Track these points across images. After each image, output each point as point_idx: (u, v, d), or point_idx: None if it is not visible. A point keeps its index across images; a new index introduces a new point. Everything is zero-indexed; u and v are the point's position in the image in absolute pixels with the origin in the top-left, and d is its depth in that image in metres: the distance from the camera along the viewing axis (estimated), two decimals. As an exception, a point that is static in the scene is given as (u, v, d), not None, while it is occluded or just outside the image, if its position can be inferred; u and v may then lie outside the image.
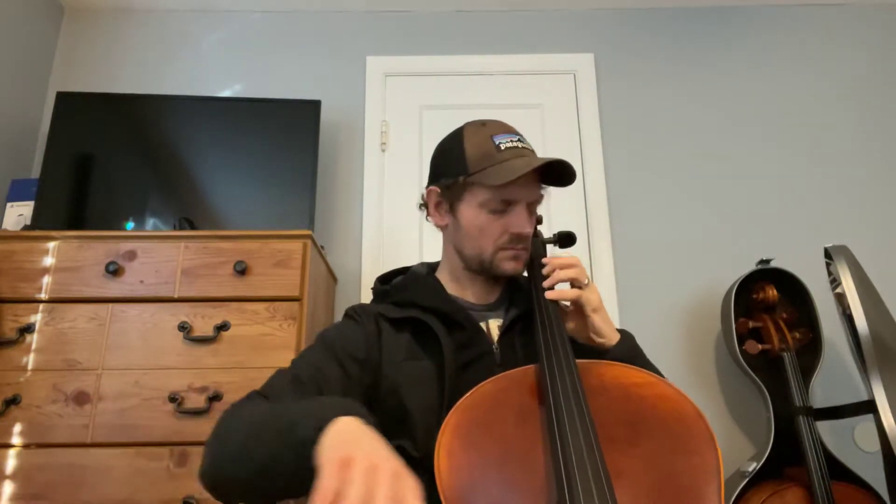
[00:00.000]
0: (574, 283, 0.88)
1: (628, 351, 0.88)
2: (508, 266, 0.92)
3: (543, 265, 0.91)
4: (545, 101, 2.19)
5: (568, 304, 0.90)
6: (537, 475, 0.66)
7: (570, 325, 0.90)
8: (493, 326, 0.94)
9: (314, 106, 1.95)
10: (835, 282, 1.58)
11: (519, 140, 0.92)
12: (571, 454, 0.64)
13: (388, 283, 1.03)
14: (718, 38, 2.28)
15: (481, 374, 0.78)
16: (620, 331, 0.91)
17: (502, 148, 0.89)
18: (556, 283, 0.88)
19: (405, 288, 0.98)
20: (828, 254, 1.62)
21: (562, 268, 0.88)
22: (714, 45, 2.27)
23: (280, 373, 0.85)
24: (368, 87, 2.18)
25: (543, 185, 0.95)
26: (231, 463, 0.66)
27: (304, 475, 0.55)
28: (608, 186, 2.09)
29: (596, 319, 0.86)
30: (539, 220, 1.05)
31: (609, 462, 0.65)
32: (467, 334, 0.89)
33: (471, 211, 0.91)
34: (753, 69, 2.24)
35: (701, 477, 0.65)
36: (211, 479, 0.69)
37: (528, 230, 0.90)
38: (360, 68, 2.21)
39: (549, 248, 1.10)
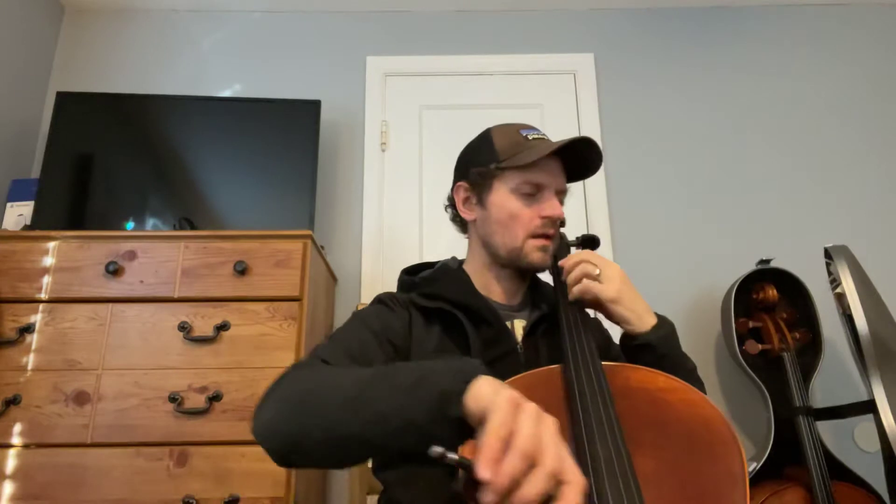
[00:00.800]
0: (587, 279, 0.88)
1: (664, 339, 0.87)
2: (536, 257, 0.93)
3: (562, 269, 0.92)
4: (545, 101, 2.19)
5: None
6: None
7: (601, 315, 0.91)
8: (518, 327, 0.94)
9: (314, 106, 1.95)
10: (835, 282, 1.58)
11: (545, 135, 0.97)
12: (600, 456, 0.64)
13: (415, 276, 1.03)
14: (719, 39, 2.28)
15: (506, 372, 0.77)
16: (660, 317, 0.90)
17: (530, 138, 0.94)
18: (572, 285, 0.88)
19: (435, 281, 0.98)
20: (828, 254, 1.62)
21: (572, 268, 0.89)
22: (714, 46, 2.27)
23: (328, 346, 0.83)
24: (368, 87, 2.18)
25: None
26: (332, 416, 0.63)
27: (435, 427, 0.57)
28: (608, 186, 2.09)
29: (616, 310, 0.86)
30: (563, 223, 1.06)
31: (635, 465, 0.65)
32: (494, 331, 0.90)
33: (502, 197, 0.93)
34: (754, 69, 2.24)
35: (727, 483, 0.65)
36: (285, 434, 0.66)
37: (560, 213, 0.92)
38: (360, 68, 2.21)
39: (572, 250, 1.10)
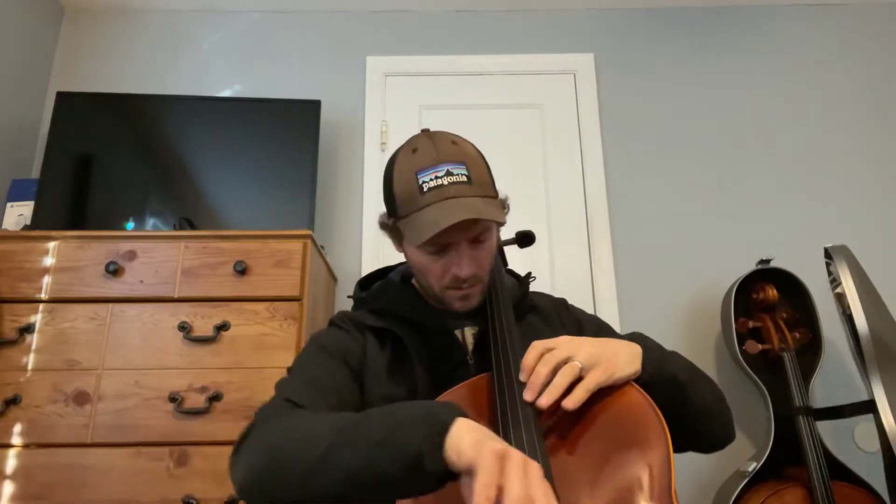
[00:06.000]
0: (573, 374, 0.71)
1: (657, 372, 0.78)
2: (458, 305, 0.88)
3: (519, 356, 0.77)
4: (545, 100, 2.19)
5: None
6: None
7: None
8: (469, 335, 0.92)
9: (314, 106, 1.95)
10: (835, 282, 1.58)
11: (447, 174, 0.82)
12: None
13: (368, 288, 1.01)
14: (719, 38, 2.28)
15: (455, 385, 0.78)
16: (645, 352, 0.79)
17: (425, 189, 0.81)
18: (541, 386, 0.70)
19: (381, 295, 0.97)
20: (828, 254, 1.62)
21: (539, 366, 0.71)
22: (714, 45, 2.27)
23: (292, 382, 0.81)
24: (368, 87, 2.18)
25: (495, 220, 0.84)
26: (304, 474, 0.63)
27: (411, 482, 0.58)
28: (608, 186, 2.08)
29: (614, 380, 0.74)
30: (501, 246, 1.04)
31: (561, 464, 0.65)
32: (443, 344, 0.88)
33: (411, 251, 0.89)
34: (753, 69, 2.24)
35: (653, 469, 0.65)
36: (260, 492, 0.66)
37: (468, 272, 0.83)
38: (360, 68, 2.21)
39: (512, 248, 1.10)
